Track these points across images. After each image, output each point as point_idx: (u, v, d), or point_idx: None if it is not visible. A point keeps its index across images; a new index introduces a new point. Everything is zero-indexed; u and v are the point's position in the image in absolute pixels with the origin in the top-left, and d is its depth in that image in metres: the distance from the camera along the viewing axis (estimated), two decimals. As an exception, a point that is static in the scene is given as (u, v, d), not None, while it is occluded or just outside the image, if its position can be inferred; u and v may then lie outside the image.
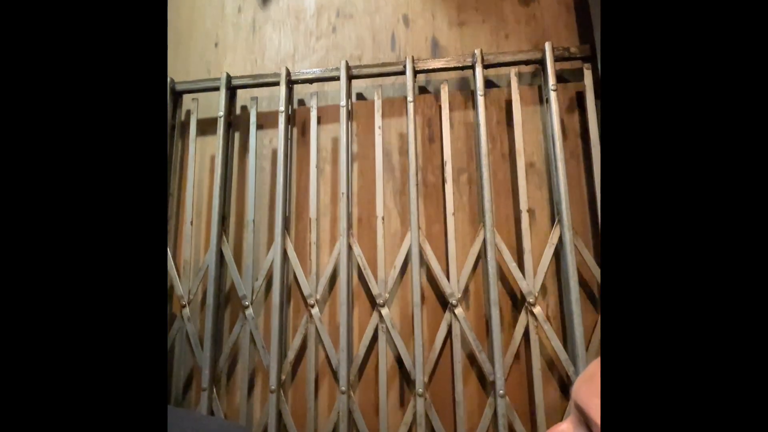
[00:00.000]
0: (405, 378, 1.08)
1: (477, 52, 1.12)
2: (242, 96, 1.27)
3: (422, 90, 1.22)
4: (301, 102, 1.27)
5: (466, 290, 1.09)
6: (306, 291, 1.11)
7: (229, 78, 1.22)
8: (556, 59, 1.10)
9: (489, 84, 1.19)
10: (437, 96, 1.20)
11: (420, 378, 1.00)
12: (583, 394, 0.33)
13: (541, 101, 1.17)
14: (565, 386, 1.03)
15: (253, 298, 1.12)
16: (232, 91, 1.24)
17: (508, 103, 1.16)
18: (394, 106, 1.22)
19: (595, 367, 0.34)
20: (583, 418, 0.33)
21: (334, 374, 1.08)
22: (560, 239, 1.03)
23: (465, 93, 1.20)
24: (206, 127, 1.27)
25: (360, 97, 1.25)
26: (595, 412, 0.31)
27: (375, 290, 1.08)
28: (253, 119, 1.21)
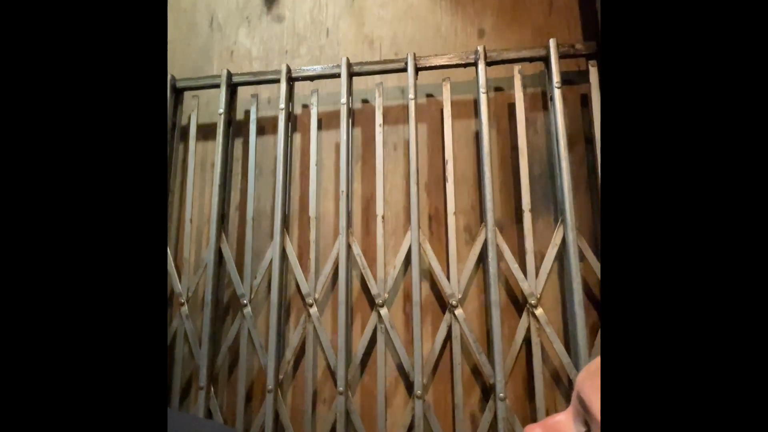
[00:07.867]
0: (404, 379, 1.06)
1: (480, 48, 1.10)
2: (243, 95, 1.26)
3: (428, 95, 1.21)
4: (304, 105, 1.26)
5: (466, 291, 1.07)
6: (305, 290, 1.10)
7: (229, 75, 1.21)
8: (561, 56, 1.08)
9: (492, 87, 1.17)
10: (439, 96, 1.18)
11: (419, 380, 0.99)
12: (587, 388, 0.32)
13: (545, 105, 1.14)
14: (567, 390, 1.01)
15: (252, 296, 1.11)
16: (232, 88, 1.23)
17: (511, 105, 1.13)
18: (396, 108, 1.21)
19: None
20: (584, 412, 0.33)
21: (333, 374, 1.07)
22: (563, 240, 1.01)
23: (467, 93, 1.18)
24: (207, 125, 1.27)
25: (364, 101, 1.24)
26: (596, 409, 0.31)
27: (374, 290, 1.07)
28: (253, 117, 1.20)
